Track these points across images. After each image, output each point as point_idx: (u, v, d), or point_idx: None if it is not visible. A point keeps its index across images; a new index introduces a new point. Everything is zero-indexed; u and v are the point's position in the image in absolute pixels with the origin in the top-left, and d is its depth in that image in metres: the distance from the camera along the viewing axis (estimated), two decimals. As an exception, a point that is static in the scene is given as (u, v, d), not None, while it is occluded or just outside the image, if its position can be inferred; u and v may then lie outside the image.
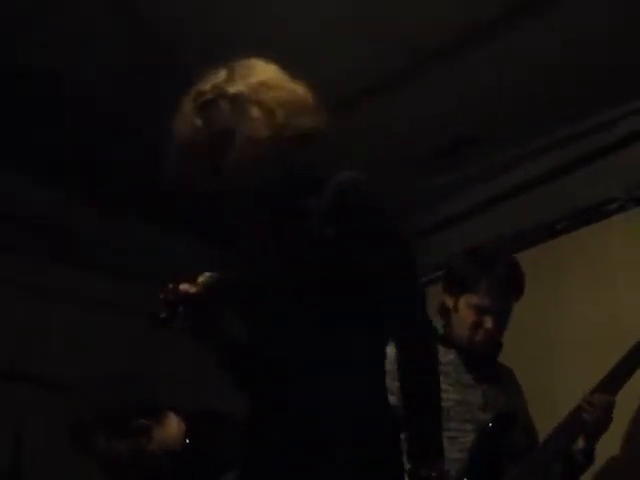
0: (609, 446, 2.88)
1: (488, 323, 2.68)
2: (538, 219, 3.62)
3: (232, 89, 1.77)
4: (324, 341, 1.69)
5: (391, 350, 1.77)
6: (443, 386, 2.59)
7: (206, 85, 1.80)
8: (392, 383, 1.77)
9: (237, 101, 1.76)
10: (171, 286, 1.76)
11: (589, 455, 2.71)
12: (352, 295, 1.70)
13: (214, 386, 3.82)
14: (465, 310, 2.70)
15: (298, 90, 1.80)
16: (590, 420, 2.63)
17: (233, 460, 2.37)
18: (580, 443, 2.70)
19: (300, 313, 1.71)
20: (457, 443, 2.60)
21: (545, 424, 2.82)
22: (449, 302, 2.76)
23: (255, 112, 1.74)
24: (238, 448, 2.08)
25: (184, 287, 1.76)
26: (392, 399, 1.79)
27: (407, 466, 1.67)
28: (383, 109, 3.41)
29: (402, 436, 1.72)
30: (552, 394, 3.23)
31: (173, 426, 2.61)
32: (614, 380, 2.68)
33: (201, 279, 1.81)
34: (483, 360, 2.75)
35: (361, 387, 1.70)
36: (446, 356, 2.73)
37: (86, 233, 3.99)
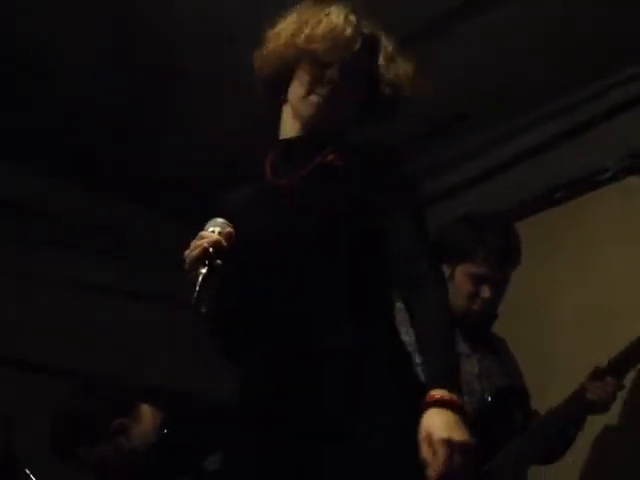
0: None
1: (485, 292, 2.66)
2: (531, 191, 3.62)
3: None
4: (348, 291, 1.74)
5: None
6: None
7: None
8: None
9: None
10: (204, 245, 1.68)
11: (579, 426, 2.70)
12: (372, 248, 1.77)
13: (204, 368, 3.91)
14: (462, 279, 2.67)
15: None
16: (594, 400, 2.59)
17: (213, 443, 2.37)
18: None
19: (327, 263, 1.75)
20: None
21: (541, 393, 2.82)
22: (445, 271, 2.72)
23: None
24: (217, 431, 2.06)
25: (212, 237, 1.70)
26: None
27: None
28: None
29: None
30: (545, 367, 3.22)
31: (148, 419, 2.61)
32: (623, 362, 2.63)
33: (213, 227, 1.73)
34: (479, 329, 2.73)
35: (383, 333, 1.75)
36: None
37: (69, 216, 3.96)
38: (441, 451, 1.51)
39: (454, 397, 1.57)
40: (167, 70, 3.32)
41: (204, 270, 1.64)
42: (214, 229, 1.72)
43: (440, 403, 1.56)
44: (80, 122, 3.58)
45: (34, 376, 3.62)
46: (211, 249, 1.66)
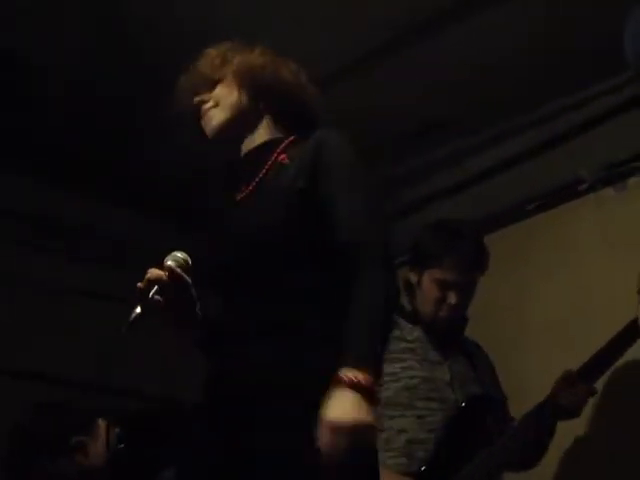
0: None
1: (452, 298, 2.67)
2: (508, 201, 3.62)
3: None
4: (293, 303, 1.74)
5: None
6: (410, 363, 2.63)
7: None
8: None
9: None
10: (140, 285, 1.75)
11: (551, 433, 2.70)
12: (317, 249, 1.76)
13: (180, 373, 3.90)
14: (429, 285, 2.69)
15: None
16: (566, 405, 2.60)
17: (169, 457, 2.42)
18: None
19: (270, 269, 1.76)
20: (425, 423, 2.59)
21: (514, 402, 2.83)
22: (413, 278, 2.75)
23: None
24: (174, 445, 2.08)
25: (154, 273, 1.76)
26: None
27: None
28: (350, 94, 3.39)
29: None
30: (522, 372, 3.23)
31: (104, 435, 2.65)
32: (595, 367, 2.64)
33: (170, 262, 1.79)
34: (449, 335, 2.74)
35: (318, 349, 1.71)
36: (412, 333, 2.71)
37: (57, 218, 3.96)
38: (324, 433, 1.51)
39: (359, 377, 1.54)
40: (157, 72, 3.31)
41: (137, 309, 1.72)
42: (169, 263, 1.78)
43: (343, 384, 1.54)
44: (68, 123, 3.59)
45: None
46: (155, 287, 1.74)
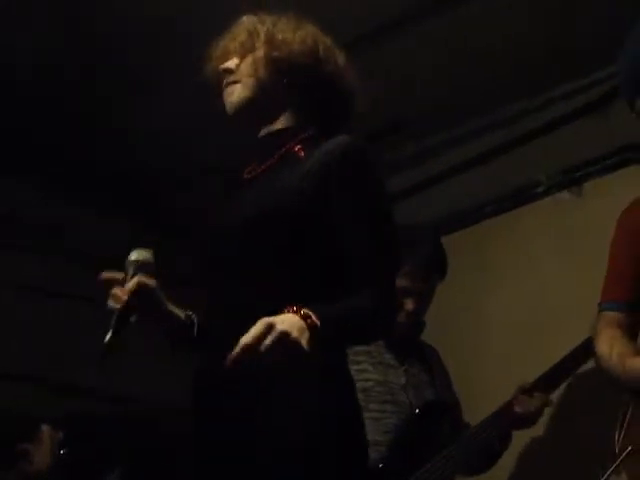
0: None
1: (409, 305, 2.67)
2: (466, 203, 3.64)
3: None
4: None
5: None
6: (364, 366, 2.64)
7: None
8: None
9: None
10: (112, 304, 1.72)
11: (506, 440, 2.73)
12: (315, 245, 1.74)
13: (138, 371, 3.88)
14: (386, 292, 2.69)
15: None
16: (521, 414, 2.64)
17: (113, 459, 2.43)
18: None
19: (264, 265, 1.73)
20: (380, 425, 2.59)
21: (471, 406, 2.86)
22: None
23: None
24: (117, 447, 2.06)
25: (124, 298, 1.72)
26: None
27: None
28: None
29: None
30: (479, 376, 3.25)
31: (48, 440, 2.67)
32: (552, 378, 2.69)
33: (137, 275, 1.76)
34: (405, 340, 2.74)
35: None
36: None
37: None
38: (256, 327, 1.49)
39: (311, 314, 1.54)
40: (134, 71, 3.29)
41: (107, 336, 1.68)
42: (139, 281, 1.74)
43: (296, 313, 1.55)
44: (37, 121, 3.55)
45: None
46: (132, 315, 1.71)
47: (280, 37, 1.89)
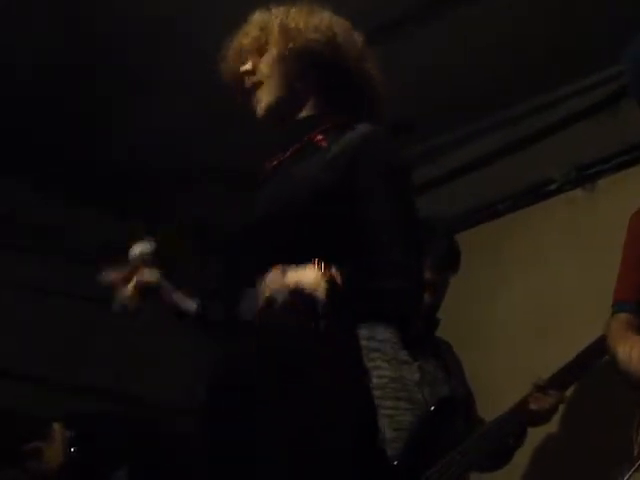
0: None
1: (425, 297, 2.69)
2: (480, 200, 3.65)
3: None
4: None
5: None
6: (378, 362, 2.64)
7: None
8: None
9: None
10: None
11: (521, 437, 2.75)
12: (339, 235, 1.71)
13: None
14: (400, 285, 2.69)
15: None
16: (536, 411, 2.65)
17: (120, 457, 2.45)
18: None
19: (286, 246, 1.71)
20: (394, 422, 2.59)
21: (485, 402, 2.87)
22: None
23: None
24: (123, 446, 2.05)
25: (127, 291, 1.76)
26: None
27: None
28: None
29: None
30: (493, 372, 3.26)
31: (58, 439, 2.68)
32: (567, 375, 2.69)
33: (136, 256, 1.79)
34: (420, 336, 2.74)
35: None
36: (383, 333, 2.72)
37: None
38: (275, 277, 1.53)
39: (333, 271, 1.56)
40: (134, 71, 3.29)
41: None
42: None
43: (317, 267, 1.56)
44: (37, 121, 3.55)
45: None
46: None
47: (294, 27, 1.87)
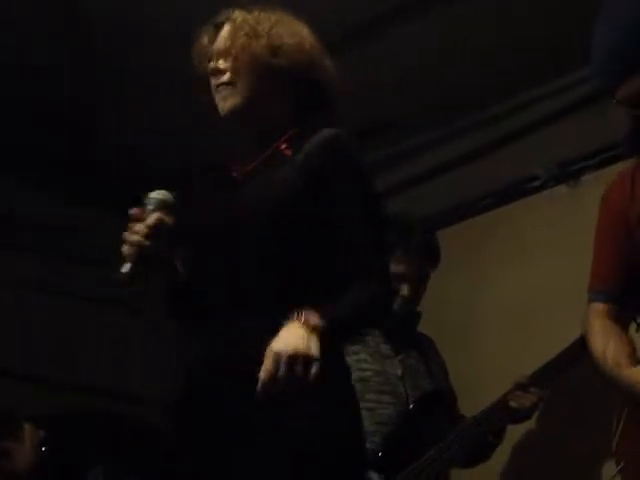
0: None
1: (404, 290, 2.71)
2: (460, 198, 3.65)
3: None
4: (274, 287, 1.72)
5: None
6: (362, 356, 2.66)
7: None
8: None
9: None
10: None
11: (500, 435, 2.75)
12: (310, 242, 1.75)
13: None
14: (381, 278, 2.71)
15: None
16: (517, 408, 2.66)
17: (95, 457, 2.44)
18: None
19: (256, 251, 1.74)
20: (375, 415, 2.61)
21: (466, 398, 2.88)
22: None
23: None
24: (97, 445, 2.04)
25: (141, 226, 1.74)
26: None
27: None
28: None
29: None
30: (474, 368, 3.26)
31: (29, 438, 2.67)
32: (548, 373, 2.70)
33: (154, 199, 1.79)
34: (402, 330, 2.77)
35: None
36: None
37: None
38: (267, 361, 1.52)
39: (309, 316, 1.56)
40: (134, 71, 3.30)
41: (126, 267, 1.71)
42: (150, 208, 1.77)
43: (293, 321, 1.56)
44: (37, 121, 3.56)
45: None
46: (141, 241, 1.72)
47: (267, 31, 1.88)
